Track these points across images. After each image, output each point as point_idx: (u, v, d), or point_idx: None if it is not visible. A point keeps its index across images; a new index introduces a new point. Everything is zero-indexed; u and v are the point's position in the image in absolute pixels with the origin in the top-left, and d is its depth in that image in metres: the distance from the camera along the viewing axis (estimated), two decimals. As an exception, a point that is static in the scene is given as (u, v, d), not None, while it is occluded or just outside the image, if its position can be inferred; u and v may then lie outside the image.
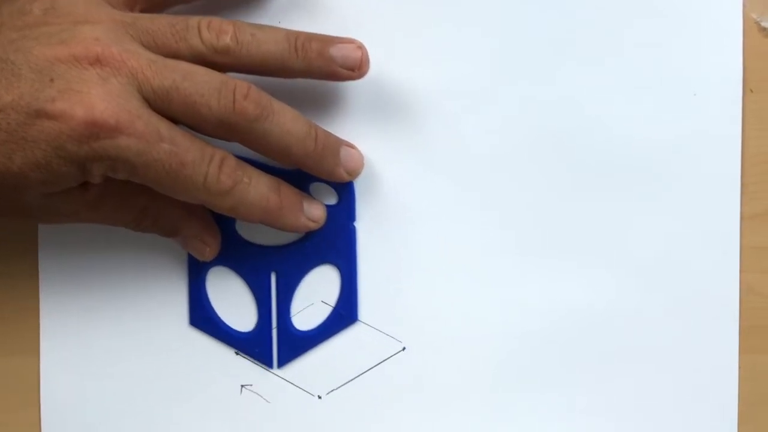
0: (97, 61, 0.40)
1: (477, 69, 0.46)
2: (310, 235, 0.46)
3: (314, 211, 0.45)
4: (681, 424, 0.46)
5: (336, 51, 0.43)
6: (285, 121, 0.42)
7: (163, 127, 0.40)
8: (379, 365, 0.47)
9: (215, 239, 0.46)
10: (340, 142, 0.45)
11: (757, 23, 0.45)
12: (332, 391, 0.47)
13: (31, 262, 0.48)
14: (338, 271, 0.47)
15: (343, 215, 0.46)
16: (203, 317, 0.47)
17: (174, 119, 0.41)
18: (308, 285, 0.47)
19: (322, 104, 0.46)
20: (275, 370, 0.47)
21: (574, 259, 0.46)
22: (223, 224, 0.46)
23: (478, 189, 0.46)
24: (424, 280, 0.46)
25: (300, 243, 0.46)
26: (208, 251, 0.46)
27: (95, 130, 0.39)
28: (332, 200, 0.46)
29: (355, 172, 0.45)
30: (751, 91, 0.45)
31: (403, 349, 0.47)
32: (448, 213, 0.46)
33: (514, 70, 0.45)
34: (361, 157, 0.45)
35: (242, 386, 0.47)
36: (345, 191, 0.46)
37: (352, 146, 0.45)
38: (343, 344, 0.47)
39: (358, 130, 0.46)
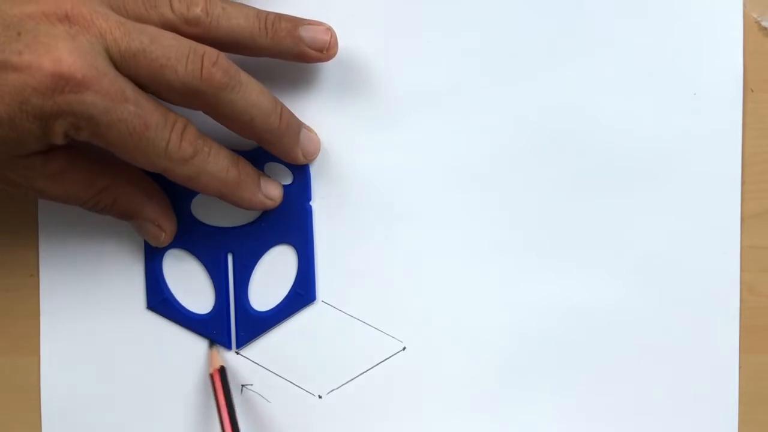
0: (66, 18, 0.40)
1: (476, 68, 0.46)
2: (265, 216, 0.46)
3: (271, 190, 0.46)
4: (681, 424, 0.46)
5: (305, 31, 0.44)
6: (251, 93, 0.42)
7: (129, 88, 0.40)
8: (379, 365, 0.47)
9: (172, 225, 0.46)
10: (301, 124, 0.45)
11: (758, 23, 0.45)
12: (332, 391, 0.47)
13: (31, 262, 0.48)
14: (295, 251, 0.47)
15: (299, 195, 0.46)
16: (161, 300, 0.47)
17: (140, 84, 0.41)
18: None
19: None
20: (276, 370, 0.47)
21: (574, 258, 0.46)
22: (179, 206, 0.46)
23: (477, 188, 0.46)
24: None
25: (256, 224, 0.46)
26: (163, 237, 0.46)
27: (61, 83, 0.39)
28: (287, 180, 0.46)
29: (311, 156, 0.46)
30: (752, 90, 0.45)
31: (403, 349, 0.47)
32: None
33: (513, 69, 0.45)
34: (319, 141, 0.46)
35: (242, 386, 0.47)
36: (300, 171, 0.46)
37: (311, 130, 0.46)
38: (343, 344, 0.47)
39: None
